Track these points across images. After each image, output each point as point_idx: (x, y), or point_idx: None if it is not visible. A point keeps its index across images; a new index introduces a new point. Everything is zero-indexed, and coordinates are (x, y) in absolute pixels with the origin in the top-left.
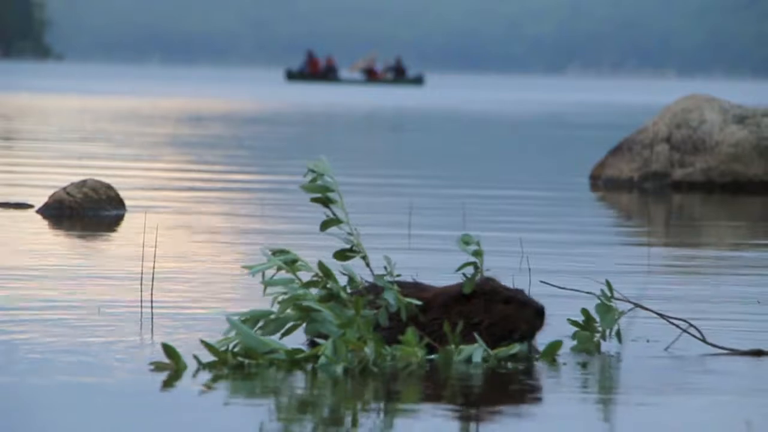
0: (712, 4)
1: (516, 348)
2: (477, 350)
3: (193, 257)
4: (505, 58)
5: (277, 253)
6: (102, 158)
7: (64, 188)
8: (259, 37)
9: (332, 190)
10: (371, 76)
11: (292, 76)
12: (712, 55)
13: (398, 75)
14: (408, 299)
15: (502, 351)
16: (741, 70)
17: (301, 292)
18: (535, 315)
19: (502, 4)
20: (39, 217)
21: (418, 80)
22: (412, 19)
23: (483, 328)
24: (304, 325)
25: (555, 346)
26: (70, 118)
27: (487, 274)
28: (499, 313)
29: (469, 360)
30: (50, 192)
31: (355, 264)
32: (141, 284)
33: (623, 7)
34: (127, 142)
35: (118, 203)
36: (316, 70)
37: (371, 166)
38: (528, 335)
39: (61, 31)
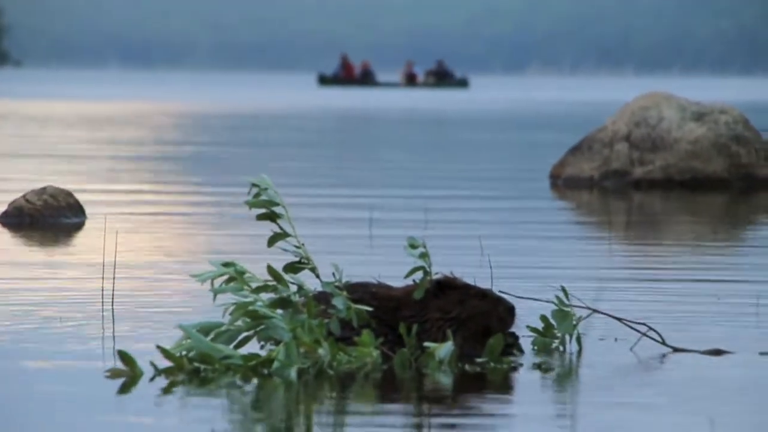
0: (669, 2)
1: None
2: (445, 348)
3: (154, 264)
4: (464, 58)
5: (224, 265)
6: (68, 167)
7: (24, 195)
8: (216, 41)
9: (277, 204)
10: (411, 80)
11: (325, 80)
12: (670, 52)
13: (442, 78)
14: (360, 306)
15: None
16: (698, 67)
17: (251, 298)
18: (508, 312)
19: (459, 3)
20: None
21: (462, 83)
22: (369, 20)
23: (459, 322)
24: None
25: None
26: (45, 124)
27: (443, 274)
28: (474, 308)
29: (440, 360)
30: (10, 199)
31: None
32: (102, 291)
33: (581, 6)
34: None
35: (78, 210)
36: (351, 75)
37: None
38: (499, 332)
39: (18, 37)
